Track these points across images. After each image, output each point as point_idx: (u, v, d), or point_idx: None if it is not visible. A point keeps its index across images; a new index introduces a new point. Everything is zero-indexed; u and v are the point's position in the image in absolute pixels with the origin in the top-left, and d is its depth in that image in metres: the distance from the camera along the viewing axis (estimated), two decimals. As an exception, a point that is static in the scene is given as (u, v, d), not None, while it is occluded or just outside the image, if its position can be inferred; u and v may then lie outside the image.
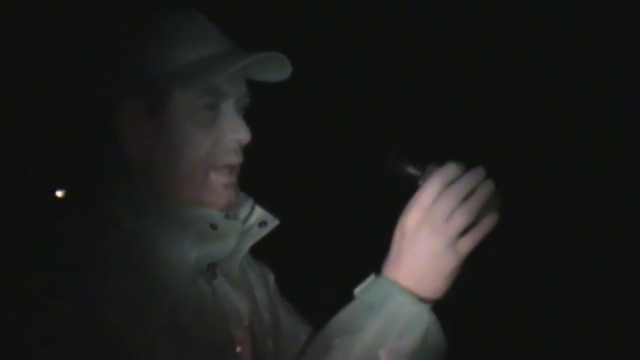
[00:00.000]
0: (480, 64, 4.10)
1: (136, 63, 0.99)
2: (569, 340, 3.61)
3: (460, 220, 0.87)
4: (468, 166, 0.91)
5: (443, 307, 0.91)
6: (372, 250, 0.98)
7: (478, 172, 0.90)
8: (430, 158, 0.93)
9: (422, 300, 0.88)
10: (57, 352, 0.83)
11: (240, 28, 1.19)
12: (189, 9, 1.04)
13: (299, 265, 3.69)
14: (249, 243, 1.08)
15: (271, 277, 1.25)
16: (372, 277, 0.92)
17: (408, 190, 0.91)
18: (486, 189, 0.89)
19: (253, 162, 1.06)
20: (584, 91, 3.91)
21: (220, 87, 0.99)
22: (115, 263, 0.90)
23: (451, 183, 0.88)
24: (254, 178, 1.07)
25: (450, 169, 0.89)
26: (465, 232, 0.88)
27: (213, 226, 1.00)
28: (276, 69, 1.05)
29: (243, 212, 1.10)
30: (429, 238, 0.87)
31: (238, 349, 1.04)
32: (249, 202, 1.11)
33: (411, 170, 0.93)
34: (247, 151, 1.05)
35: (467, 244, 0.88)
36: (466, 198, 0.88)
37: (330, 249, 4.24)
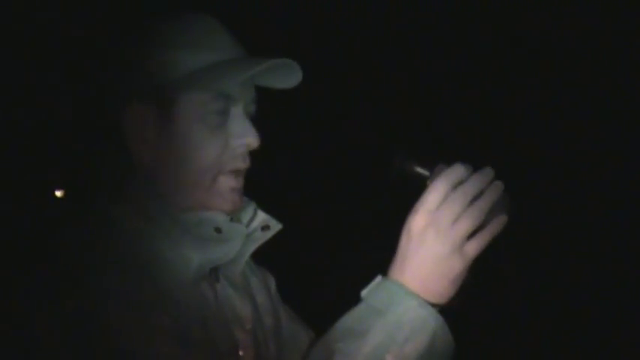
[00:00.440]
0: (491, 65, 4.08)
1: (145, 67, 0.98)
2: (577, 343, 3.59)
3: (467, 223, 0.86)
4: (476, 167, 0.90)
5: (451, 311, 0.89)
6: (379, 251, 0.96)
7: (486, 173, 0.88)
8: (439, 158, 0.92)
9: (428, 304, 0.86)
10: (59, 353, 0.82)
11: (250, 32, 1.18)
12: (200, 14, 1.03)
13: (303, 268, 3.69)
14: (252, 247, 1.07)
15: (272, 282, 1.24)
16: (378, 279, 0.91)
17: (417, 190, 0.90)
18: (495, 191, 0.88)
19: (255, 165, 1.06)
20: (595, 94, 3.89)
21: (231, 92, 0.99)
22: (117, 265, 0.89)
23: (458, 184, 0.87)
24: (256, 181, 1.06)
25: (457, 170, 0.88)
26: (472, 234, 0.87)
27: (218, 230, 0.99)
28: (287, 76, 1.04)
29: (245, 216, 1.09)
30: (434, 242, 0.86)
31: (241, 352, 1.03)
32: (252, 206, 1.10)
33: (420, 170, 0.92)
34: (252, 154, 1.05)
35: (474, 248, 0.87)
36: (474, 200, 0.87)
37: (334, 251, 4.23)
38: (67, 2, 3.64)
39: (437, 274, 0.86)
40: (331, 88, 3.84)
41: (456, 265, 0.86)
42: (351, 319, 0.89)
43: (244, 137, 1.01)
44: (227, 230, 1.00)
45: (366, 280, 0.92)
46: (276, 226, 1.09)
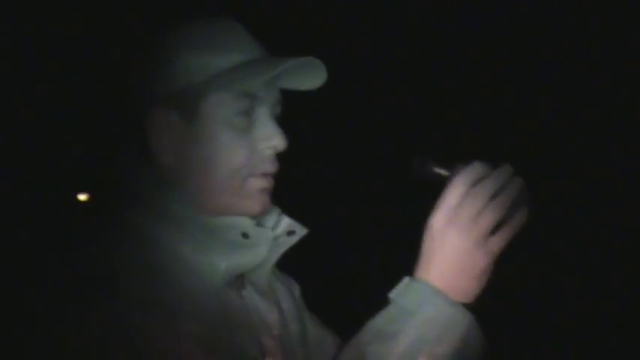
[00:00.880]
0: (508, 65, 4.07)
1: (169, 71, 0.98)
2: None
3: (488, 217, 0.86)
4: (495, 166, 0.90)
5: (480, 309, 0.89)
6: (406, 253, 0.96)
7: (506, 170, 0.88)
8: (458, 158, 0.92)
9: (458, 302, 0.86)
10: None
11: (271, 34, 1.19)
12: (223, 17, 1.04)
13: (328, 271, 3.68)
14: (278, 252, 1.06)
15: (296, 289, 1.24)
16: (406, 280, 0.90)
17: (437, 191, 0.90)
18: (515, 186, 0.88)
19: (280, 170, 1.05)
20: (611, 94, 3.86)
21: (256, 92, 0.99)
22: (142, 272, 0.89)
23: (478, 181, 0.87)
24: (278, 186, 1.06)
25: (477, 168, 0.88)
26: (495, 230, 0.86)
27: (245, 235, 0.98)
28: (311, 76, 1.03)
29: (270, 221, 1.08)
30: (457, 238, 0.86)
31: (268, 359, 1.02)
32: (276, 211, 1.10)
33: (440, 170, 0.92)
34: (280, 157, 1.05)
35: (497, 243, 0.87)
36: (494, 196, 0.86)
37: (360, 254, 4.22)
38: (93, 9, 3.68)
39: (462, 270, 0.86)
40: (350, 90, 3.84)
41: (481, 261, 0.86)
42: (381, 320, 0.88)
43: (271, 140, 1.00)
44: (254, 235, 0.99)
45: (391, 283, 0.92)
46: (301, 231, 1.08)
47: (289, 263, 1.15)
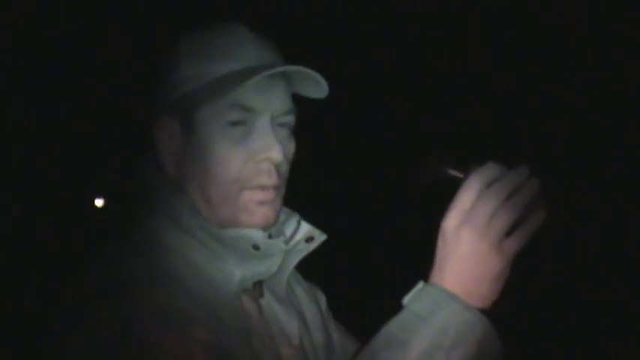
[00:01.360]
0: (522, 66, 4.05)
1: (171, 80, 0.99)
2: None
3: (503, 219, 0.82)
4: (510, 167, 0.88)
5: (496, 313, 0.87)
6: (417, 258, 0.95)
7: (521, 171, 0.86)
8: (473, 160, 0.90)
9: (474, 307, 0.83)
10: None
11: (285, 38, 1.18)
12: (232, 24, 1.02)
13: (346, 277, 3.67)
14: (295, 259, 1.05)
15: (323, 298, 1.23)
16: (419, 285, 0.88)
17: (451, 193, 0.88)
18: (531, 187, 0.85)
19: (296, 176, 1.04)
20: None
21: (246, 101, 0.96)
22: (157, 279, 0.90)
23: (493, 183, 0.85)
24: (297, 192, 1.05)
25: (491, 169, 0.85)
26: (511, 232, 0.84)
27: (256, 247, 0.97)
28: (313, 85, 1.01)
29: (289, 229, 1.07)
30: (470, 240, 0.83)
31: None
32: (295, 218, 1.09)
33: (454, 172, 0.90)
34: (293, 166, 1.03)
35: (513, 245, 0.83)
36: (510, 198, 0.84)
37: (376, 258, 4.21)
38: (102, 20, 3.73)
39: (477, 274, 0.83)
40: (363, 94, 3.84)
41: (496, 263, 0.83)
42: (394, 327, 0.86)
43: (267, 151, 0.97)
44: (265, 247, 0.98)
45: (406, 289, 0.90)
46: (320, 237, 1.06)
47: (308, 268, 1.14)
